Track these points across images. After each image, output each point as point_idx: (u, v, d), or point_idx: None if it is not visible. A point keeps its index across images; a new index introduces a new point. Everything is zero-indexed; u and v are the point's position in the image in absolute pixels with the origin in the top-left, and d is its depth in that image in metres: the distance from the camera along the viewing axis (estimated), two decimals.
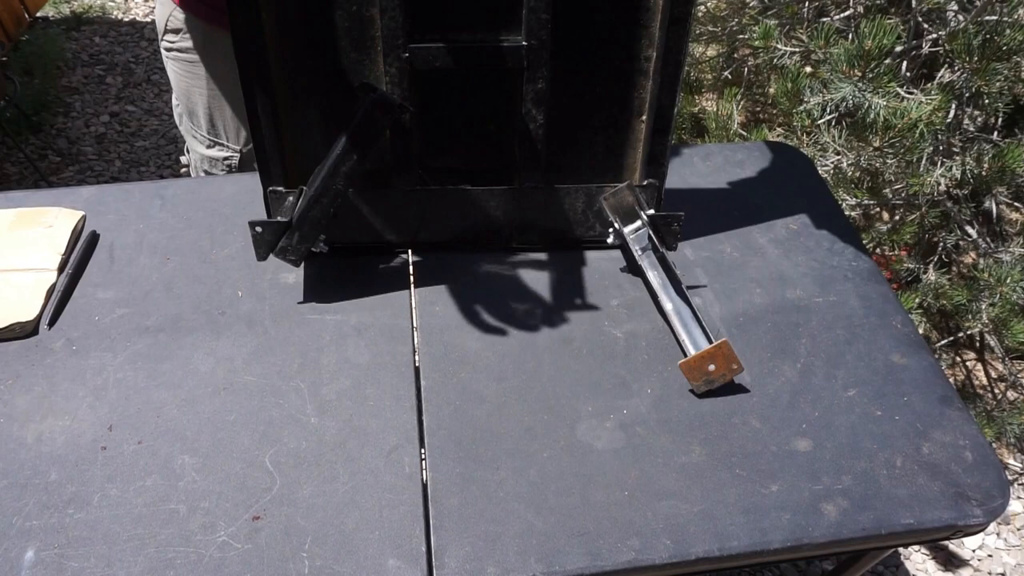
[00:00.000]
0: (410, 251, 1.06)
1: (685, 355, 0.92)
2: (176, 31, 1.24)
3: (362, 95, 0.85)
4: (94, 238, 1.06)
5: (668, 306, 0.96)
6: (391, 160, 0.97)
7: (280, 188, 0.96)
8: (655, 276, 0.99)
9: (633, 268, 1.04)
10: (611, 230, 1.06)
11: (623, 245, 1.06)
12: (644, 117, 0.98)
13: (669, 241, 1.02)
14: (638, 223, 1.01)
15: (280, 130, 0.93)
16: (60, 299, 0.96)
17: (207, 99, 1.29)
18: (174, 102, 1.37)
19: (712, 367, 0.89)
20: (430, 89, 0.93)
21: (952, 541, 1.67)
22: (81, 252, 1.02)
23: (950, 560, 1.66)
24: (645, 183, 1.01)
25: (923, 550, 1.67)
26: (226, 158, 1.37)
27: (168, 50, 1.27)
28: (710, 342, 0.90)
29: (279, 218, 0.95)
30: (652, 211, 1.01)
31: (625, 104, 0.97)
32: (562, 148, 0.99)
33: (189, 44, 1.24)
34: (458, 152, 1.01)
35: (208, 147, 1.36)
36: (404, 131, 0.94)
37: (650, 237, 1.00)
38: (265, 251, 0.95)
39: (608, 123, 0.99)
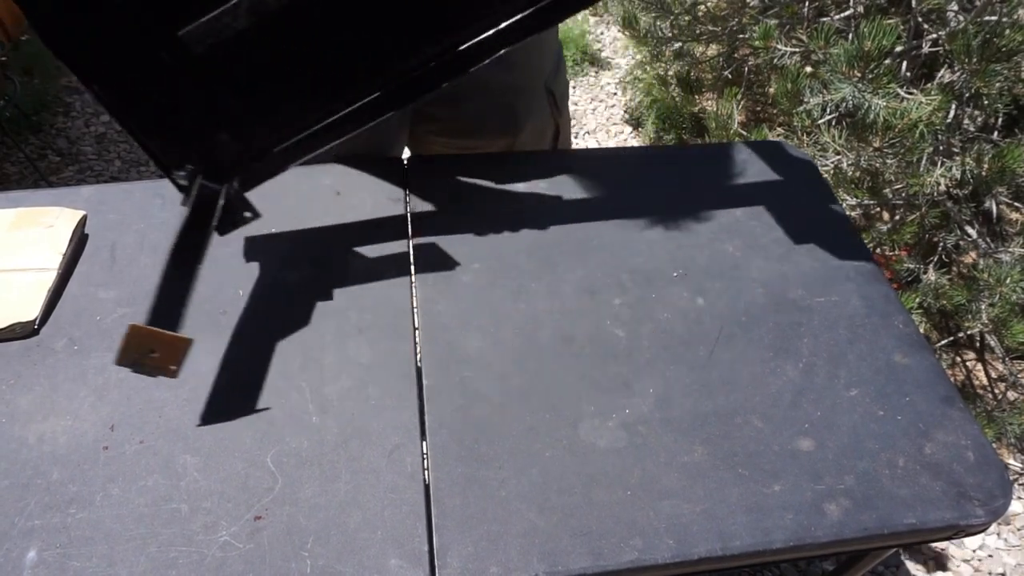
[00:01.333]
0: (411, 251, 1.06)
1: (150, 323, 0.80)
2: None
3: None
4: (84, 238, 1.05)
5: (175, 274, 0.84)
6: None
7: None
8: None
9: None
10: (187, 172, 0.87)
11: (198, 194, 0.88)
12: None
13: (225, 223, 0.92)
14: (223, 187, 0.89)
15: None
16: (51, 298, 0.96)
17: None
18: None
19: (156, 354, 0.80)
20: None
21: (952, 541, 1.67)
22: (71, 251, 1.02)
23: (950, 560, 1.66)
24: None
25: (923, 550, 1.67)
26: None
27: None
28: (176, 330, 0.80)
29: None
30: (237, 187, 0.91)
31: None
32: None
33: None
34: None
35: None
36: None
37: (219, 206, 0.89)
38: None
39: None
